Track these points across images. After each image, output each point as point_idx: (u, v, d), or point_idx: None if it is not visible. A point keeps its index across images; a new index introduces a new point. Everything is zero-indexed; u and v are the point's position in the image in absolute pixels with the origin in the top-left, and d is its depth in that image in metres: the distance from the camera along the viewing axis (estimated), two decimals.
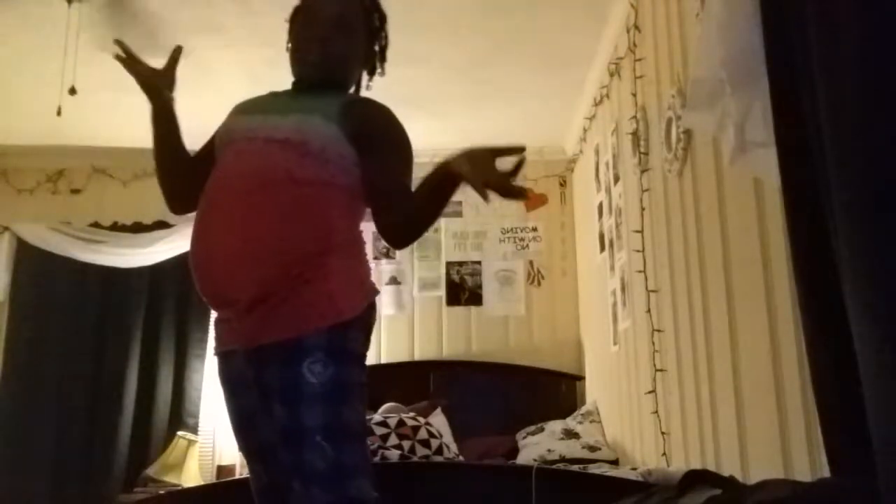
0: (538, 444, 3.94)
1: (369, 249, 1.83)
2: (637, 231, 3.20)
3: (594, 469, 3.04)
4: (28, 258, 4.94)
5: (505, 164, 1.45)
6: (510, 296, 5.05)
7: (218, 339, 1.76)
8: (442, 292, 5.05)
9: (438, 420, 4.06)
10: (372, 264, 1.83)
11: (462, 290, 5.06)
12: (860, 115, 1.09)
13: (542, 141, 5.06)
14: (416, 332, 5.02)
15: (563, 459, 3.73)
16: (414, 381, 4.55)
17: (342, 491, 1.51)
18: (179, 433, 4.54)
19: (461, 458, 3.68)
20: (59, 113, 3.37)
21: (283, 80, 1.88)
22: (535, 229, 5.15)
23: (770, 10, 1.52)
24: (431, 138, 3.97)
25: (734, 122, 1.68)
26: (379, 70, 1.93)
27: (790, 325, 1.81)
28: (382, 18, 1.90)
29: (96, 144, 4.94)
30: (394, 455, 3.11)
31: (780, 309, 1.89)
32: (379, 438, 3.23)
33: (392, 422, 3.37)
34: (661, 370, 2.90)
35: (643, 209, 3.13)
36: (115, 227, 5.01)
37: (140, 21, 3.55)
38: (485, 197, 1.43)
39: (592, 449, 3.83)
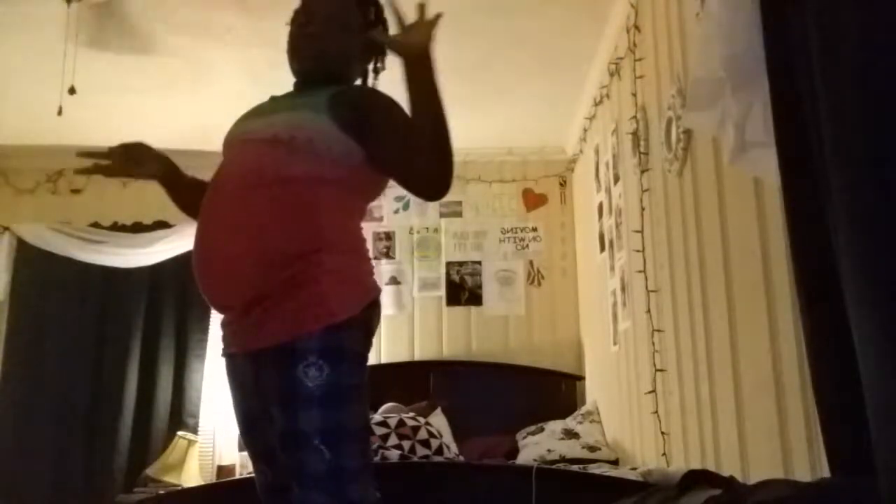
0: (538, 444, 3.94)
1: (369, 249, 1.82)
2: (637, 231, 3.20)
3: (594, 469, 3.04)
4: (28, 258, 4.94)
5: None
6: (510, 296, 5.05)
7: (224, 340, 1.76)
8: (442, 292, 5.05)
9: (438, 420, 4.06)
10: (372, 264, 1.82)
11: (462, 290, 5.06)
12: (860, 115, 1.09)
13: (543, 141, 5.06)
14: (416, 333, 5.01)
15: (563, 459, 3.73)
16: (414, 381, 4.55)
17: (342, 494, 1.51)
18: (179, 433, 4.53)
19: (461, 458, 3.68)
20: (59, 113, 3.37)
21: (283, 80, 1.88)
22: (535, 229, 5.15)
23: (770, 11, 1.51)
24: None
25: (734, 122, 1.68)
26: (380, 64, 1.93)
27: (790, 325, 1.81)
28: (379, 12, 1.90)
29: (96, 144, 4.92)
30: (394, 455, 3.11)
31: (780, 309, 1.89)
32: (379, 438, 3.23)
33: (392, 422, 3.37)
34: (661, 370, 2.90)
35: (643, 209, 3.13)
36: (115, 227, 5.01)
37: (139, 21, 3.56)
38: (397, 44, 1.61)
39: (592, 449, 3.83)
